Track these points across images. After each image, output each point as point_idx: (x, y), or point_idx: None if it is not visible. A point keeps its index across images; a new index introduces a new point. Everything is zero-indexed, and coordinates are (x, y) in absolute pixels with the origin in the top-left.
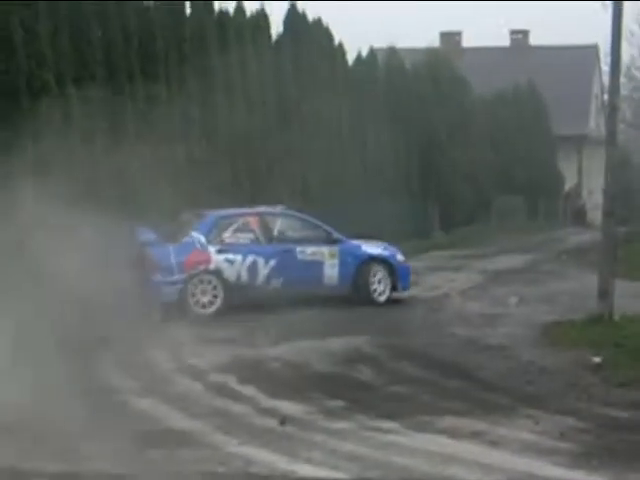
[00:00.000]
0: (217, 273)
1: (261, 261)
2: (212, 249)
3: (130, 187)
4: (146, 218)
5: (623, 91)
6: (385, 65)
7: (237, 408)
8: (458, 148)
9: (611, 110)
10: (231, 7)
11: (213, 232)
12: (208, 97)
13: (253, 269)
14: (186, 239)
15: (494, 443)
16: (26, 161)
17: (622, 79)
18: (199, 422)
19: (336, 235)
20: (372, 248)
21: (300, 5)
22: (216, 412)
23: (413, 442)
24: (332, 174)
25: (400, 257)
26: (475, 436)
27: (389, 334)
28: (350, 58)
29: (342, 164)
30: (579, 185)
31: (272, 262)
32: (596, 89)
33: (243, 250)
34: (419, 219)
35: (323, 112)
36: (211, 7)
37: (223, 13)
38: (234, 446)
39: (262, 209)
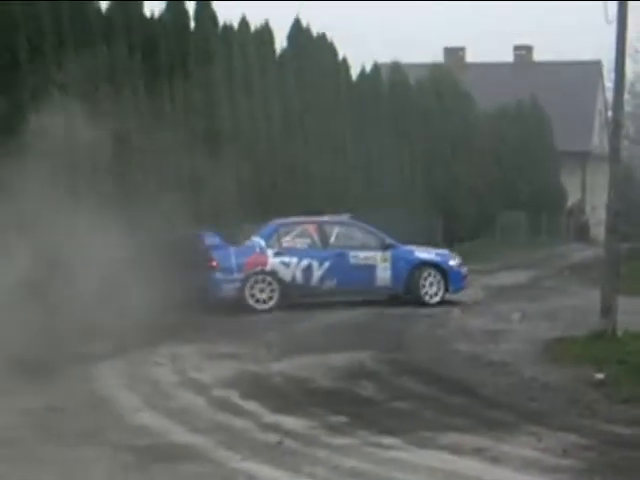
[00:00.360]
0: (273, 274)
1: (315, 264)
2: (270, 252)
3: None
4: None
5: (627, 107)
6: (389, 80)
7: (240, 423)
8: (462, 163)
9: (615, 127)
10: (235, 22)
11: (273, 237)
12: (212, 111)
13: (308, 271)
14: (247, 243)
15: (496, 460)
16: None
17: (626, 96)
18: (202, 437)
19: (389, 242)
20: (424, 253)
21: (304, 20)
22: (219, 427)
23: (415, 458)
24: (336, 188)
25: (452, 262)
26: (477, 452)
27: (392, 349)
28: (354, 73)
29: (346, 178)
30: (582, 201)
31: (326, 265)
32: (600, 105)
33: (299, 254)
34: (423, 234)
35: (327, 127)
36: (215, 21)
37: (228, 27)
38: (237, 461)
39: (322, 218)
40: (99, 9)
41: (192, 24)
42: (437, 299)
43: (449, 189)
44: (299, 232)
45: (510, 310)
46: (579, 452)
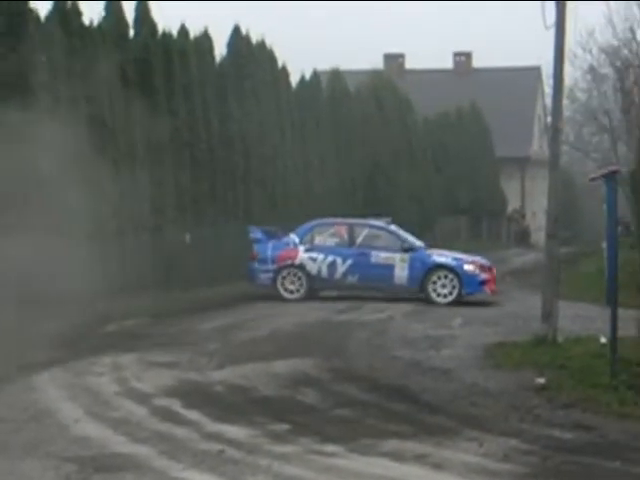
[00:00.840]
0: (301, 267)
1: (339, 260)
2: (301, 248)
3: None
4: None
5: (566, 112)
6: (329, 87)
7: (181, 432)
8: (402, 170)
9: (554, 132)
10: (175, 29)
11: (307, 235)
12: (152, 120)
13: (332, 266)
14: (285, 239)
15: (438, 466)
16: None
17: (565, 101)
18: (144, 447)
19: (409, 245)
20: (441, 257)
21: (244, 27)
22: (161, 436)
23: (357, 465)
24: (276, 196)
25: (468, 266)
26: (419, 459)
27: (334, 357)
28: (294, 80)
29: (286, 186)
30: (523, 206)
31: (349, 262)
32: (539, 111)
33: (326, 250)
34: None
35: (267, 134)
36: (155, 29)
37: (167, 35)
38: (179, 471)
39: (355, 220)
40: (38, 17)
41: (131, 32)
42: (448, 300)
43: (390, 195)
44: (332, 232)
45: (451, 316)
46: (521, 457)
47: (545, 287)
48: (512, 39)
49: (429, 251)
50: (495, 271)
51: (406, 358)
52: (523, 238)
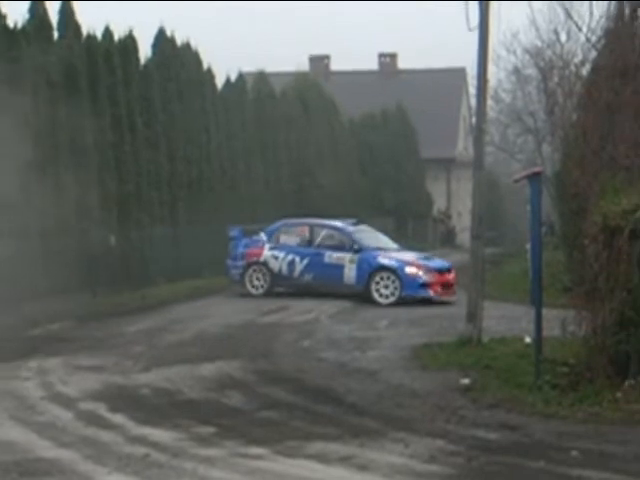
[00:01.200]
0: (265, 264)
1: (298, 259)
2: (267, 246)
3: None
4: None
5: (491, 113)
6: (254, 89)
7: (107, 436)
8: (328, 171)
9: (478, 133)
10: (99, 31)
11: (275, 234)
12: (77, 123)
13: (292, 264)
14: (255, 237)
15: (364, 467)
16: None
17: (490, 102)
18: (69, 451)
19: (358, 246)
20: (385, 259)
21: (169, 29)
22: (86, 441)
23: (283, 468)
24: (202, 198)
25: (410, 269)
26: (345, 460)
27: (260, 359)
28: (219, 82)
29: (211, 188)
30: (448, 207)
31: (305, 261)
32: (464, 112)
33: (287, 249)
34: None
35: (192, 136)
36: (79, 31)
37: (91, 37)
38: (104, 475)
39: (317, 221)
40: None
41: (55, 34)
42: (389, 300)
43: (315, 196)
44: (295, 231)
45: (376, 317)
46: (446, 458)
47: (470, 288)
48: (437, 40)
49: (376, 252)
50: (452, 273)
51: (332, 360)
52: (449, 239)
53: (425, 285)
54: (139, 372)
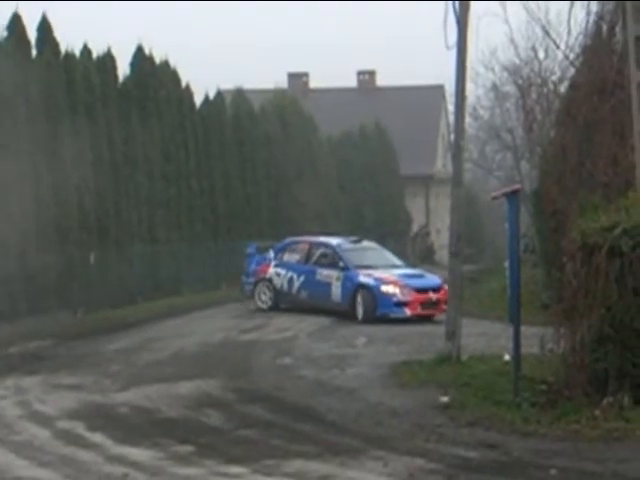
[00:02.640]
0: (270, 281)
1: (295, 276)
2: (273, 263)
3: None
4: None
5: (470, 130)
6: (233, 106)
7: (85, 456)
8: (307, 188)
9: (456, 151)
10: (77, 49)
11: (281, 252)
12: (55, 140)
13: (291, 281)
14: (266, 254)
15: None
16: None
17: (468, 119)
18: (47, 471)
19: (343, 264)
20: (366, 277)
21: (147, 47)
22: (64, 460)
23: None
24: (180, 216)
25: (387, 288)
26: (324, 479)
27: (239, 377)
28: (198, 100)
29: (190, 206)
30: (427, 224)
31: (302, 278)
32: (443, 129)
33: (288, 267)
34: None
35: (171, 154)
36: (57, 49)
37: (70, 55)
38: None
39: (317, 239)
40: None
41: (34, 52)
42: (362, 318)
43: (294, 215)
44: (297, 249)
45: (355, 334)
46: (426, 476)
47: (449, 305)
48: (415, 58)
49: (359, 270)
50: (441, 291)
51: (311, 377)
52: (428, 256)
53: (401, 304)
54: (118, 391)
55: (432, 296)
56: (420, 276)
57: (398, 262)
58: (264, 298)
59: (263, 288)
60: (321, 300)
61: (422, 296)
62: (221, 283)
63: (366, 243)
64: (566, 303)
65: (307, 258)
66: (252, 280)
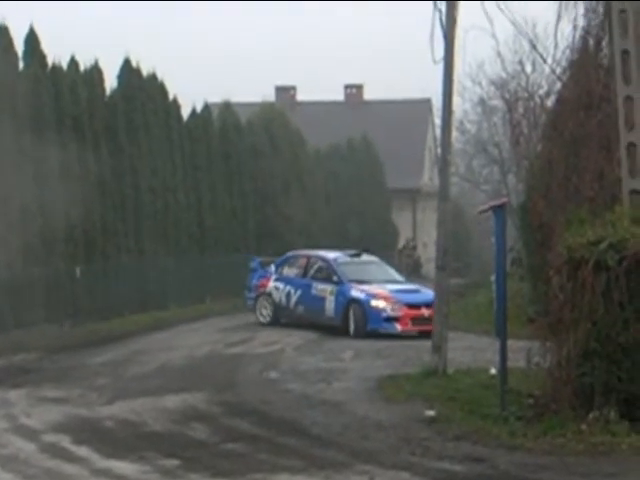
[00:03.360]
0: (270, 295)
1: (293, 290)
2: (273, 277)
3: None
4: None
5: (457, 144)
6: (220, 120)
7: (71, 469)
8: (293, 202)
9: (443, 165)
10: (64, 62)
11: (281, 266)
12: (41, 153)
13: (288, 296)
14: (267, 268)
15: None
16: None
17: (455, 133)
18: None
19: (337, 278)
20: (357, 291)
21: (134, 60)
22: (50, 474)
23: None
24: (167, 229)
25: (377, 303)
26: None
27: (225, 390)
28: (185, 113)
29: (177, 219)
30: (414, 238)
31: (298, 292)
32: (430, 142)
33: (286, 281)
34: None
35: (158, 167)
36: (44, 61)
37: (57, 67)
38: None
39: (315, 252)
40: None
41: (21, 64)
42: (354, 332)
43: (281, 228)
44: (296, 263)
45: (342, 348)
46: None
47: (435, 319)
48: (403, 72)
49: (352, 285)
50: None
51: (297, 391)
52: (415, 269)
53: (391, 319)
54: (103, 404)
55: (424, 312)
56: (415, 291)
57: (398, 277)
58: (264, 313)
59: (264, 302)
60: (316, 315)
61: (413, 312)
62: (207, 297)
63: (366, 257)
64: (552, 317)
65: (305, 272)
66: (253, 295)
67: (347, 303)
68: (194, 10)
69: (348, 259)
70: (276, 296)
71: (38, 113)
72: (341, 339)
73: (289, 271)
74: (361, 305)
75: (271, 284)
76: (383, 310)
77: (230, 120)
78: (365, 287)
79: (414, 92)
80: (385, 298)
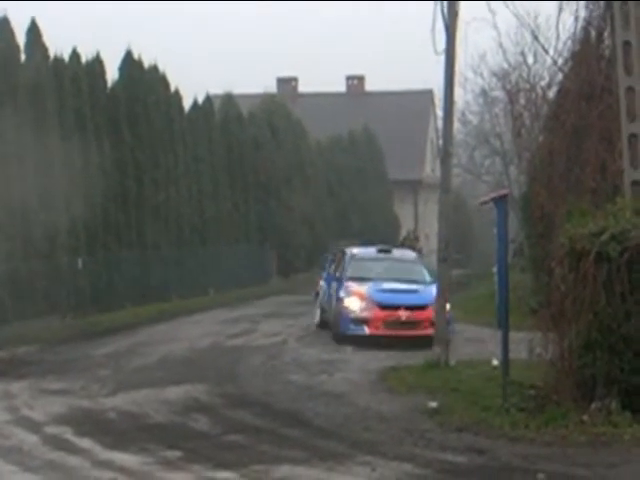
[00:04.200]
0: (317, 294)
1: (326, 288)
2: (323, 276)
3: None
4: None
5: (458, 135)
6: (221, 111)
7: (74, 461)
8: (295, 193)
9: (444, 156)
10: (66, 54)
11: (329, 264)
12: (43, 145)
13: (324, 295)
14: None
15: None
16: None
17: (457, 124)
18: (35, 476)
19: (340, 275)
20: (344, 290)
21: (136, 51)
22: (52, 465)
23: None
24: (169, 221)
25: (348, 301)
26: None
27: (227, 382)
28: (186, 104)
29: (179, 211)
30: (416, 229)
31: (329, 291)
32: (432, 134)
33: (326, 280)
34: (257, 266)
35: (159, 159)
36: (46, 53)
37: (59, 59)
38: None
39: (346, 249)
40: None
41: (23, 56)
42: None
43: (282, 219)
44: (335, 260)
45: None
46: None
47: (437, 311)
48: (404, 63)
49: (345, 282)
50: (426, 310)
51: (299, 382)
52: None
53: (359, 320)
54: (106, 396)
55: (402, 314)
56: (409, 292)
57: (425, 276)
58: (317, 312)
59: (316, 302)
60: (328, 314)
61: (386, 313)
62: (209, 288)
63: (396, 253)
64: (554, 308)
65: (336, 269)
66: (314, 294)
67: (336, 302)
68: (196, 2)
69: (372, 255)
70: (321, 295)
71: (40, 105)
72: None
73: (331, 269)
74: (337, 305)
75: (320, 283)
76: (352, 311)
77: (232, 112)
78: (354, 285)
79: (416, 83)
80: (360, 297)
